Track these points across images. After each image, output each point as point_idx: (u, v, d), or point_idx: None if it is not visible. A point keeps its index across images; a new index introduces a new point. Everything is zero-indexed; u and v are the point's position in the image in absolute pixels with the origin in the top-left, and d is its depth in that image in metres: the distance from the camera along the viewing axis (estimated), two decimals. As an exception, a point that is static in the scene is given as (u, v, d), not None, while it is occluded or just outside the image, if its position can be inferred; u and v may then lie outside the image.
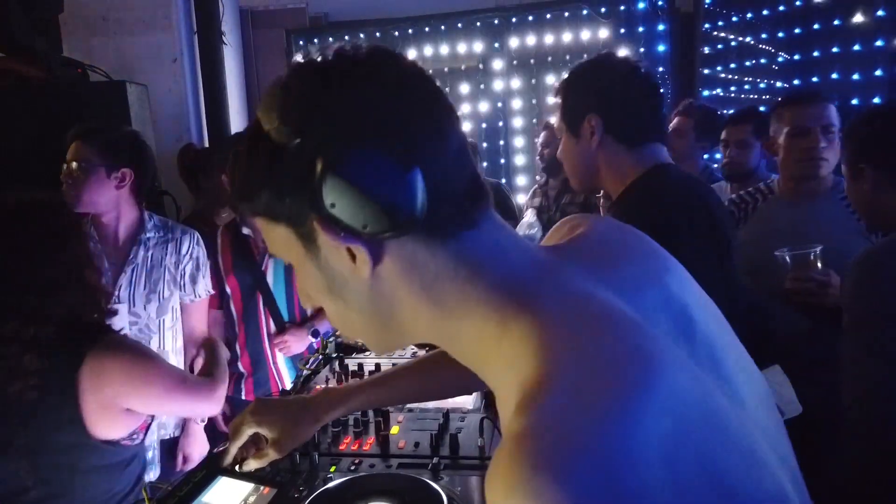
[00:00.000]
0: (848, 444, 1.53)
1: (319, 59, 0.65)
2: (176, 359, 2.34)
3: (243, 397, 2.65)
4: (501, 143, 5.06)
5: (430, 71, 4.78)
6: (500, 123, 5.04)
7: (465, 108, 5.00)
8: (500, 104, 5.00)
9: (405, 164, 0.60)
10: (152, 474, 1.73)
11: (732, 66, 4.09)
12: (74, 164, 2.13)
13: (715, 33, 4.12)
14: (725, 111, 4.10)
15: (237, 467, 1.25)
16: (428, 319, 0.68)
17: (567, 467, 0.48)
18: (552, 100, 1.75)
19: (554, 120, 1.71)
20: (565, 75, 1.67)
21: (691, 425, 0.55)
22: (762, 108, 3.89)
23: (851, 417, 1.53)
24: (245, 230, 2.55)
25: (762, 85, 3.95)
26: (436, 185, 0.62)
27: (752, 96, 4.02)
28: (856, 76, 3.43)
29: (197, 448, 2.38)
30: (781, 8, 3.78)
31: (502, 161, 5.06)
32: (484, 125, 5.05)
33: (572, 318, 0.61)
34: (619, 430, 0.50)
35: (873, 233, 1.91)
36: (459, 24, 4.89)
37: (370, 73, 0.63)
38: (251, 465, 1.23)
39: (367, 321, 0.71)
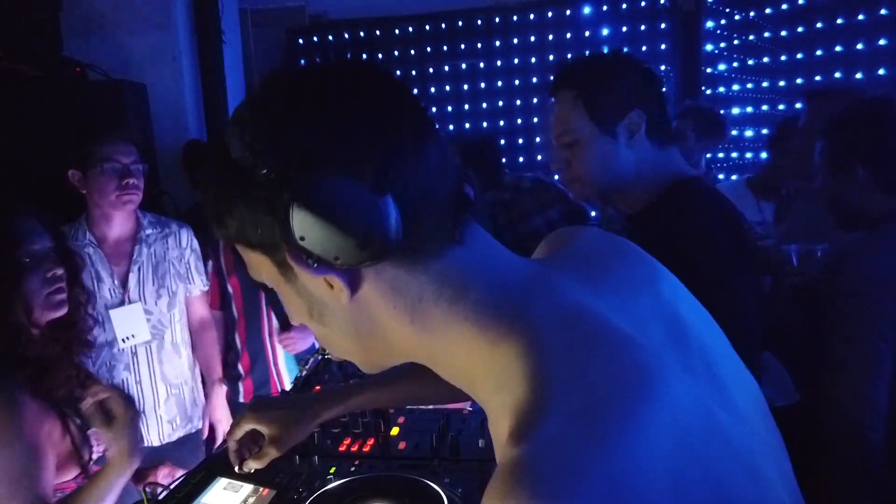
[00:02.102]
0: (829, 448, 1.52)
1: (289, 78, 0.63)
2: (185, 351, 2.40)
3: (241, 400, 2.64)
4: (503, 142, 5.05)
5: (431, 70, 4.77)
6: (501, 123, 5.03)
7: (465, 107, 4.99)
8: (500, 103, 4.99)
9: (377, 191, 0.57)
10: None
11: (735, 64, 4.07)
12: (134, 167, 2.17)
13: (717, 31, 4.11)
14: (728, 110, 4.09)
15: (237, 468, 1.24)
16: (414, 341, 0.66)
17: (568, 498, 0.46)
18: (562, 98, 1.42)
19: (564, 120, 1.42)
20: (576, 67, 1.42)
21: (695, 445, 0.54)
22: (765, 107, 3.88)
23: (831, 420, 1.52)
24: None
25: (765, 84, 3.93)
26: (413, 207, 0.59)
27: (754, 95, 4.00)
28: (858, 75, 3.41)
29: (224, 413, 2.48)
30: (784, 6, 3.76)
31: (503, 160, 5.04)
32: (485, 124, 5.04)
33: (565, 334, 0.59)
34: (620, 456, 0.49)
35: (846, 230, 1.83)
36: (460, 23, 4.87)
37: (340, 96, 0.60)
38: (251, 465, 1.21)
39: (350, 344, 0.69)
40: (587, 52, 1.56)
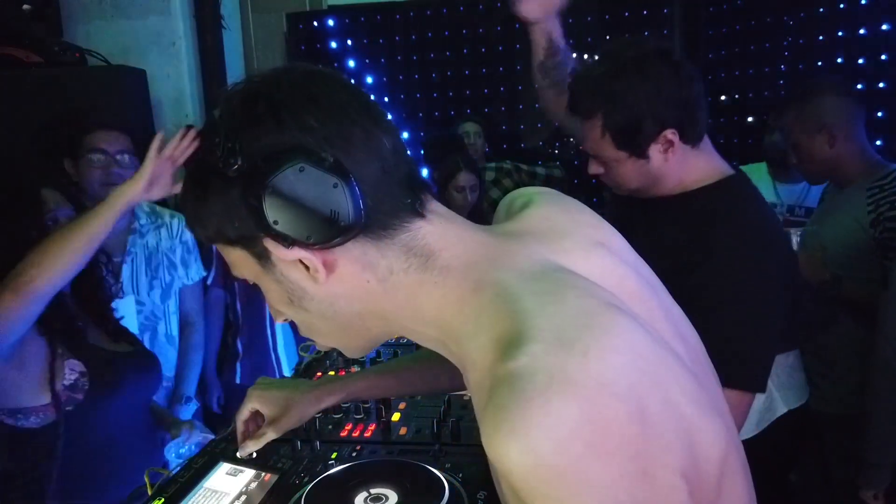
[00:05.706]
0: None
1: (249, 87, 0.69)
2: (175, 345, 2.37)
3: (238, 381, 2.65)
4: (504, 128, 5.04)
5: (432, 55, 4.74)
6: (503, 108, 5.01)
7: (467, 92, 4.96)
8: (501, 89, 4.97)
9: (338, 174, 0.64)
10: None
11: (737, 50, 4.05)
12: (120, 157, 2.14)
13: (720, 17, 4.08)
14: (731, 97, 4.07)
15: (238, 453, 1.24)
16: (389, 312, 0.72)
17: (559, 401, 0.53)
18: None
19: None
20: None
21: (649, 361, 0.61)
22: (766, 93, 3.86)
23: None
24: None
25: (767, 69, 3.91)
26: (372, 187, 0.67)
27: (757, 81, 3.98)
28: (861, 60, 3.39)
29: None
30: (787, -9, 3.73)
31: (504, 146, 5.03)
32: (486, 109, 5.02)
33: (531, 283, 0.66)
34: (598, 365, 0.56)
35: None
36: (462, 8, 4.84)
37: (296, 96, 0.67)
38: (249, 446, 1.22)
39: (331, 326, 0.75)
40: (610, 45, 1.45)
